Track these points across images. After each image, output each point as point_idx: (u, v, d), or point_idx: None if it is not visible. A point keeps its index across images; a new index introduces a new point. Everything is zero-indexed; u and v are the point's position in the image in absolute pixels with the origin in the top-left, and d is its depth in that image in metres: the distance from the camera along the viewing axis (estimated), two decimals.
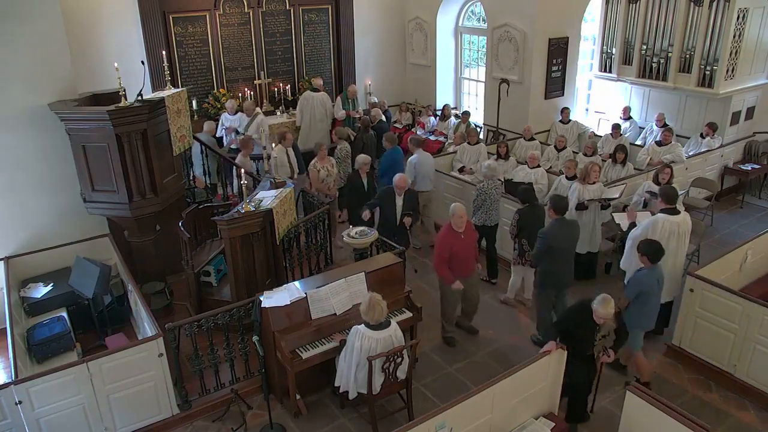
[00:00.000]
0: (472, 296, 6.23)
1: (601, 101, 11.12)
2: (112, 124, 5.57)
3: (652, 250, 5.19)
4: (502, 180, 8.03)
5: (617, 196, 7.09)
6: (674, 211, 5.76)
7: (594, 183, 6.96)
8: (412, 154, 8.19)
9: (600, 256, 7.39)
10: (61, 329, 5.61)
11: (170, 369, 5.05)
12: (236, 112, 9.70)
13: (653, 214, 6.26)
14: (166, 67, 6.78)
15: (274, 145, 8.23)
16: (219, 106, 10.18)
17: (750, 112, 9.70)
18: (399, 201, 6.91)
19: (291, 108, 11.11)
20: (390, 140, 8.37)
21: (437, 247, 5.93)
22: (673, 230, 5.71)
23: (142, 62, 6.91)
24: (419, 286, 7.22)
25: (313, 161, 8.21)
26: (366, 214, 6.86)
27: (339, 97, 10.57)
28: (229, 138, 9.34)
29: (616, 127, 9.47)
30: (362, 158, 7.71)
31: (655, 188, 7.00)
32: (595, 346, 4.78)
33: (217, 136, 9.37)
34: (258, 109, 9.73)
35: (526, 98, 10.21)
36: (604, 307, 4.59)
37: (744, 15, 8.60)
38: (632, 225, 6.26)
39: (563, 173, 7.68)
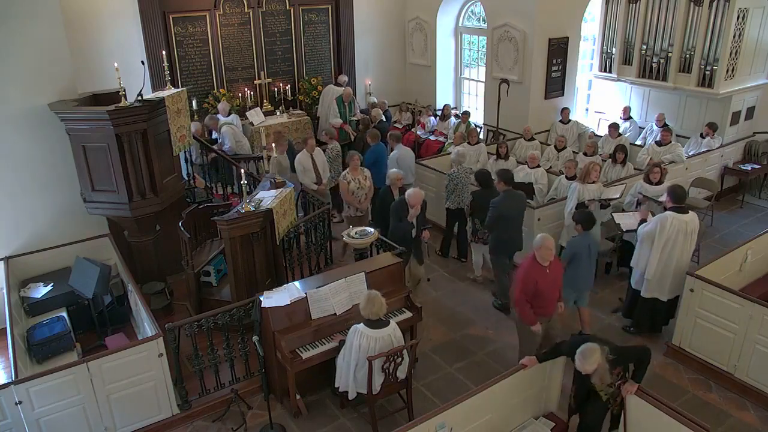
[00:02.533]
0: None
1: (601, 101, 11.11)
2: (112, 124, 5.57)
3: (585, 219, 5.85)
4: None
5: (617, 196, 7.08)
6: (682, 210, 5.78)
7: (593, 183, 6.96)
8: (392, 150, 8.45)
9: (600, 256, 7.38)
10: (61, 329, 5.60)
11: (170, 369, 5.04)
12: (229, 114, 9.70)
13: (654, 214, 6.26)
14: (166, 67, 6.77)
15: (274, 145, 8.20)
16: None
17: (750, 112, 9.69)
18: (412, 211, 6.40)
19: (291, 108, 11.12)
20: (373, 136, 8.54)
21: (520, 282, 5.13)
22: (681, 228, 5.75)
23: (142, 62, 6.91)
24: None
25: (343, 172, 7.58)
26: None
27: (334, 101, 10.48)
28: (221, 139, 9.32)
29: (614, 126, 9.47)
30: (394, 173, 7.05)
31: (648, 188, 7.01)
32: (594, 384, 4.22)
33: (212, 137, 9.36)
34: (223, 120, 9.49)
35: (526, 98, 10.21)
36: (581, 360, 4.02)
37: (744, 15, 8.60)
38: (641, 221, 6.25)
39: (563, 173, 7.69)
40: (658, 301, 6.04)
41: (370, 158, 8.28)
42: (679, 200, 5.81)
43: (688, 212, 5.83)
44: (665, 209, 5.92)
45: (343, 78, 11.17)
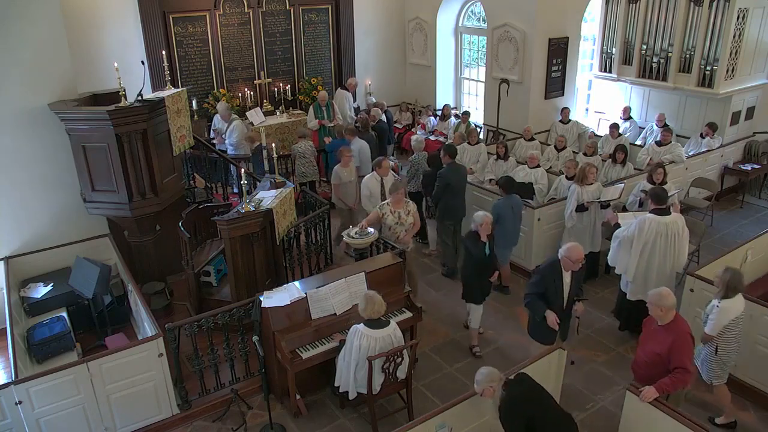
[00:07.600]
0: None
1: (601, 101, 11.12)
2: (112, 124, 5.57)
3: (505, 183, 6.76)
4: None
5: (616, 196, 7.08)
6: (664, 212, 5.76)
7: (591, 184, 6.96)
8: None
9: (601, 257, 7.38)
10: (61, 329, 5.60)
11: (170, 369, 5.05)
12: (231, 121, 9.67)
13: None
14: (166, 67, 6.78)
15: (273, 145, 8.16)
16: None
17: (750, 112, 9.69)
18: (567, 278, 5.05)
19: (291, 108, 11.12)
20: (339, 132, 9.23)
21: None
22: (660, 231, 5.71)
23: (142, 62, 6.91)
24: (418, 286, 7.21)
25: (382, 203, 6.56)
26: (552, 319, 4.92)
27: (311, 108, 10.18)
28: (218, 139, 9.32)
29: (614, 126, 9.47)
30: (481, 216, 5.74)
31: (649, 188, 7.01)
32: None
33: (210, 138, 9.36)
34: (234, 115, 9.48)
35: (526, 98, 10.21)
36: (476, 377, 3.98)
37: (744, 15, 8.60)
38: (617, 225, 6.28)
39: (563, 173, 7.69)
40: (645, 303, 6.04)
41: (329, 148, 9.17)
42: (660, 202, 5.78)
43: (669, 214, 5.79)
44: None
45: (350, 80, 11.18)
